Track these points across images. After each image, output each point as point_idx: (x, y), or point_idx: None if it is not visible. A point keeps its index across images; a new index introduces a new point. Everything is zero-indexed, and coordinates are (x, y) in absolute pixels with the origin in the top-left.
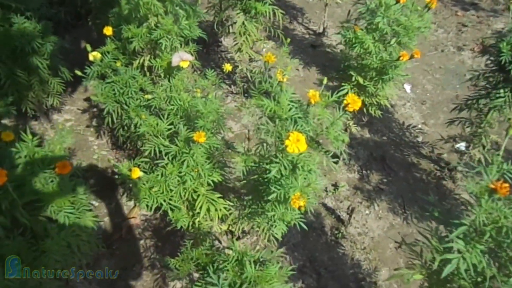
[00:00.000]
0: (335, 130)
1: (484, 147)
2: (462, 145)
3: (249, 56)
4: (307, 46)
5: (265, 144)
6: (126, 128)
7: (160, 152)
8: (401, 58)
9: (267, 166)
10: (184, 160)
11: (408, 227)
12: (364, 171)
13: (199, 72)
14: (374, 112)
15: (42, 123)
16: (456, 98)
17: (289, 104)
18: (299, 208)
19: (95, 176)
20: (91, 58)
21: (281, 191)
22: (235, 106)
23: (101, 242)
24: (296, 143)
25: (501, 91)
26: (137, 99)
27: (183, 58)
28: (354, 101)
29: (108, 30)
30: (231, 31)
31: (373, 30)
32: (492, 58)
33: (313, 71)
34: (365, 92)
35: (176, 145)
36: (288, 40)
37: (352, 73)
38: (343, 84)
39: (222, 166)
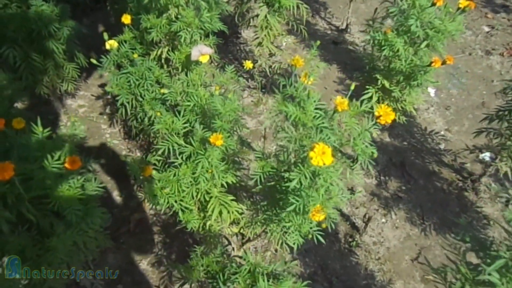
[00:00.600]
0: (362, 141)
1: None
2: (487, 155)
3: (269, 50)
4: (328, 43)
5: (284, 150)
6: (139, 120)
7: (174, 150)
8: (433, 64)
9: (287, 175)
10: (199, 162)
11: (426, 239)
12: (382, 177)
13: (216, 64)
14: (399, 118)
15: (55, 108)
16: (482, 105)
17: (315, 112)
18: (318, 224)
19: (106, 166)
20: (107, 46)
21: (300, 203)
22: (252, 101)
23: (108, 238)
24: (321, 156)
25: None
26: (152, 92)
27: (203, 52)
28: (386, 113)
29: (126, 19)
30: (251, 23)
31: (404, 32)
32: None
33: (333, 69)
34: (390, 96)
35: (191, 144)
36: (318, 42)
37: (378, 76)
38: (367, 86)
39: (237, 167)
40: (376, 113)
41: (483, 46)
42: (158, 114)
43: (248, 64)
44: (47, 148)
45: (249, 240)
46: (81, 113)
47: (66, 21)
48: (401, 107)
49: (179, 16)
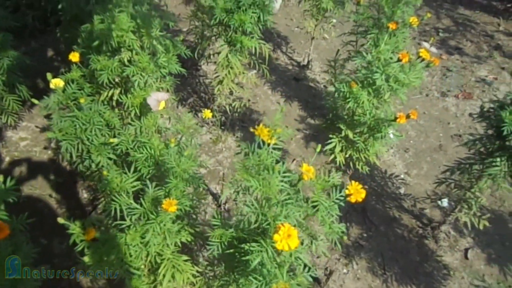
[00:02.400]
0: (329, 216)
1: (471, 209)
2: (445, 201)
3: (230, 89)
4: (290, 78)
5: (246, 220)
6: (87, 165)
7: (122, 211)
8: (397, 120)
9: (246, 246)
10: (150, 226)
11: None
12: (343, 223)
13: (171, 104)
14: (362, 168)
15: None
16: (439, 148)
17: (279, 185)
18: None
19: (47, 209)
20: (52, 86)
21: (261, 282)
22: (210, 138)
23: None
24: (286, 239)
25: (498, 159)
26: (102, 136)
27: (159, 99)
28: (357, 192)
29: (74, 56)
30: (211, 60)
31: (369, 84)
32: (492, 123)
33: (294, 106)
34: (353, 146)
35: (141, 205)
36: (283, 108)
37: (341, 126)
38: (330, 135)
39: (192, 223)
40: (347, 191)
41: (439, 87)
42: (105, 174)
43: (207, 114)
44: None
45: None
46: (22, 147)
47: (7, 51)
48: (365, 157)
49: (132, 59)
